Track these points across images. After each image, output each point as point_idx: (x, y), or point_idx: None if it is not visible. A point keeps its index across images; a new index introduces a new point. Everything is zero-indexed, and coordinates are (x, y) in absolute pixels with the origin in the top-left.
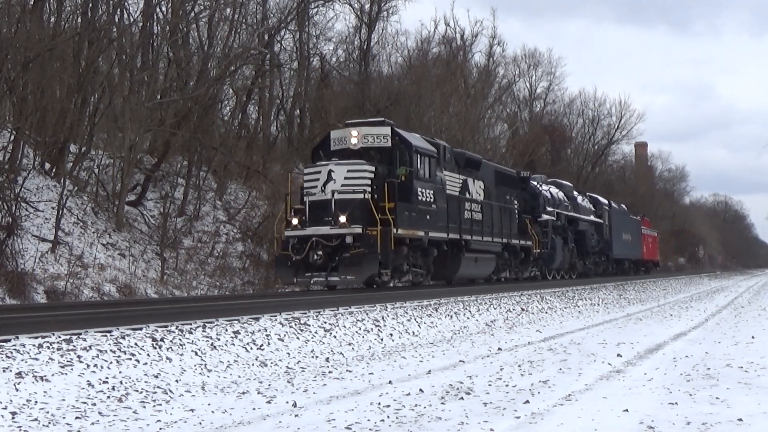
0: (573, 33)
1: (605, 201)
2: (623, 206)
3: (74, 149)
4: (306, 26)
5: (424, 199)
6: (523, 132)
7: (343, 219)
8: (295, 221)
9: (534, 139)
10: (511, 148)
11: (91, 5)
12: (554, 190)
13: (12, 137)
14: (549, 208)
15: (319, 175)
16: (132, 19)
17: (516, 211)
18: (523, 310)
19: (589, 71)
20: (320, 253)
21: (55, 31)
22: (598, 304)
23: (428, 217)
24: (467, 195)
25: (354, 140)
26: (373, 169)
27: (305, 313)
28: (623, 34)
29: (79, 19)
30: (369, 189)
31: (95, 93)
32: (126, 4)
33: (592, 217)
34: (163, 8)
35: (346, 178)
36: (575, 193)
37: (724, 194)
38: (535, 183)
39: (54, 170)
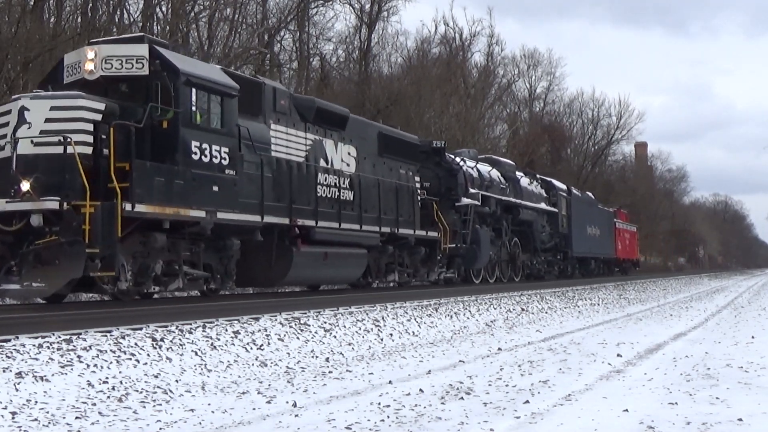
0: (569, 34)
1: (562, 186)
2: (589, 194)
3: None
4: (306, 26)
5: (206, 159)
6: (523, 132)
7: (26, 186)
8: None
9: (534, 139)
10: (512, 148)
11: (91, 5)
12: (485, 167)
13: None
14: (473, 190)
15: (9, 117)
16: (132, 19)
17: (418, 192)
18: (523, 310)
19: (587, 72)
20: None
21: (55, 31)
22: (598, 304)
23: (216, 188)
24: (322, 163)
25: (90, 65)
26: (101, 106)
27: (305, 313)
28: (620, 35)
29: (79, 19)
30: (89, 139)
31: None
32: (126, 4)
33: (542, 205)
34: (163, 8)
35: (47, 120)
36: (519, 173)
37: (724, 194)
38: (454, 157)
39: None
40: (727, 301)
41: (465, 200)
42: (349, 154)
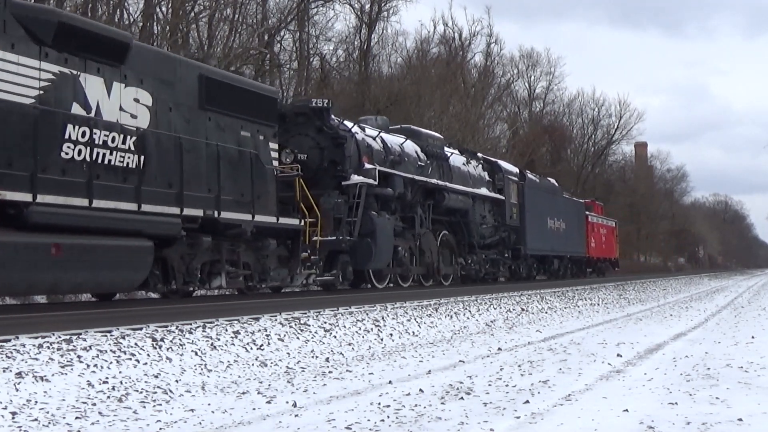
0: (567, 36)
1: (512, 169)
2: (551, 180)
3: None
4: (306, 26)
5: None
6: (523, 132)
7: None
8: None
9: (534, 139)
10: (512, 148)
11: (91, 5)
12: (395, 138)
13: None
14: (370, 165)
15: None
16: (132, 19)
17: (272, 162)
18: (523, 310)
19: (586, 73)
20: None
21: None
22: (598, 304)
23: None
24: (76, 109)
25: None
26: None
27: (305, 313)
28: (617, 36)
29: None
30: None
31: None
32: (126, 4)
33: (483, 191)
34: (163, 8)
35: None
36: (449, 150)
37: (724, 194)
38: (342, 121)
39: None
40: (727, 301)
41: (356, 178)
42: (137, 100)
